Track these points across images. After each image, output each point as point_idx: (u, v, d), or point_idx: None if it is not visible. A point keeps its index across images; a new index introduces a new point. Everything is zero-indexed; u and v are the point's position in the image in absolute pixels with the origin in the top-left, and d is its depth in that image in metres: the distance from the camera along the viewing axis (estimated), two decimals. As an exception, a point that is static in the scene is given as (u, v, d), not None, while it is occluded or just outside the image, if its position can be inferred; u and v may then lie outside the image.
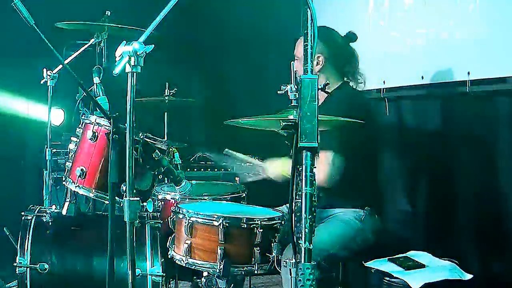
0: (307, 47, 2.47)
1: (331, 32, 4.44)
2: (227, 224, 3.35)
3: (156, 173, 3.52)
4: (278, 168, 4.35)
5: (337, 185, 4.13)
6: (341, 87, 4.39)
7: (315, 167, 2.45)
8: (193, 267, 3.47)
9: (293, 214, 2.59)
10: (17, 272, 3.61)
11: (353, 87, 4.45)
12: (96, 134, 3.57)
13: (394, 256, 3.88)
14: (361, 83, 4.48)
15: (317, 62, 4.33)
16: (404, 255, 3.91)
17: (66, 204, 3.83)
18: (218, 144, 6.07)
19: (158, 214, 4.02)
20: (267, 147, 4.52)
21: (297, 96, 2.98)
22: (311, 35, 2.49)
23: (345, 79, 4.43)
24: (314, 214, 2.48)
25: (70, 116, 5.57)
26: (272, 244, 3.42)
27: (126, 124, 2.82)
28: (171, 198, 4.36)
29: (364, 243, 4.13)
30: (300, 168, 2.45)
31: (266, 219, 3.44)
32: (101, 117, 3.56)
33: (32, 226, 3.73)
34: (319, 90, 2.54)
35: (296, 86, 2.97)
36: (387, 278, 3.65)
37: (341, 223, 4.12)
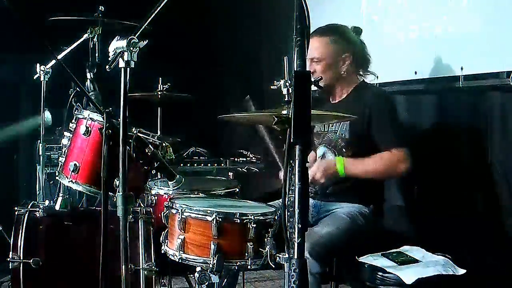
0: (299, 43, 2.46)
1: (347, 29, 4.48)
2: (220, 219, 3.34)
3: (149, 168, 3.52)
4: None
5: (346, 181, 4.17)
6: (365, 85, 4.50)
7: (308, 162, 2.44)
8: (186, 262, 3.46)
9: (286, 209, 2.60)
10: (10, 267, 3.61)
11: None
12: (89, 129, 3.56)
13: (388, 251, 3.89)
14: (374, 78, 4.57)
15: (343, 62, 4.35)
16: (397, 250, 3.92)
17: (59, 199, 3.82)
18: (211, 139, 6.10)
19: (151, 209, 4.01)
20: (260, 141, 4.52)
21: (290, 91, 2.99)
22: (303, 29, 2.48)
23: (358, 77, 4.47)
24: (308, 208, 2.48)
25: (58, 116, 5.55)
26: (266, 239, 3.42)
27: (119, 119, 2.83)
28: (164, 193, 4.35)
29: (365, 240, 4.15)
30: (293, 164, 2.45)
31: (260, 214, 3.43)
32: (94, 112, 3.56)
33: (25, 221, 3.72)
34: (312, 85, 2.54)
35: (289, 81, 2.98)
36: (380, 273, 3.66)
37: (346, 218, 4.15)
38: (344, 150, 4.31)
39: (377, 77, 4.80)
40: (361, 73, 4.52)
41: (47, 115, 5.71)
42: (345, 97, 4.45)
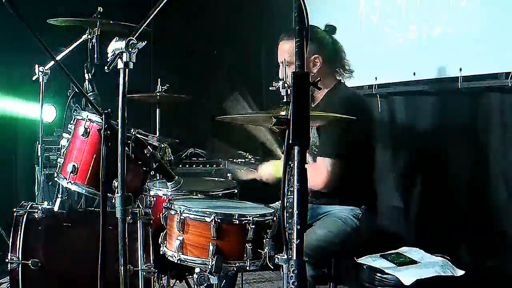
0: (298, 43, 2.46)
1: (318, 30, 4.40)
2: (219, 220, 3.35)
3: (148, 169, 3.52)
4: (271, 170, 4.37)
5: (336, 183, 4.15)
6: (338, 86, 4.38)
7: (307, 163, 2.44)
8: (185, 263, 3.46)
9: (285, 211, 2.60)
10: (8, 268, 3.61)
11: (345, 84, 4.45)
12: (88, 130, 3.56)
13: (386, 252, 3.89)
14: (351, 76, 4.48)
15: (313, 64, 4.29)
16: (396, 251, 3.92)
17: (58, 200, 3.82)
18: (210, 140, 6.08)
19: (149, 210, 4.01)
20: (259, 143, 4.52)
21: (288, 92, 2.99)
22: (303, 30, 2.48)
23: (336, 76, 4.42)
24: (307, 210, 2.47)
25: (61, 112, 5.56)
26: (264, 241, 3.42)
27: (117, 120, 2.82)
28: (163, 194, 4.36)
29: (360, 241, 4.14)
30: (291, 165, 2.45)
31: (258, 216, 3.44)
32: (93, 113, 3.56)
33: (23, 222, 3.72)
34: (311, 86, 2.53)
35: (287, 83, 2.98)
36: (379, 274, 3.66)
37: (338, 220, 4.13)
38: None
39: (376, 78, 4.80)
40: (338, 71, 4.45)
41: (51, 109, 5.72)
42: (320, 100, 4.40)
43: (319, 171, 4.09)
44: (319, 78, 3.05)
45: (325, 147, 4.13)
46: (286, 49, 4.29)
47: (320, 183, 4.09)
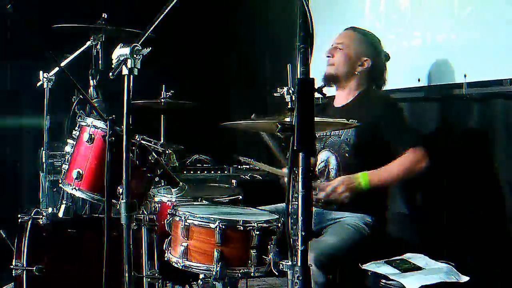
0: (303, 50, 2.46)
1: (378, 40, 4.55)
2: (223, 227, 3.34)
3: (152, 175, 3.52)
4: None
5: None
6: (368, 90, 4.52)
7: (312, 169, 2.44)
8: (189, 270, 3.46)
9: (290, 217, 2.59)
10: (13, 274, 3.61)
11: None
12: (93, 136, 3.56)
13: (391, 259, 3.88)
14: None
15: (361, 64, 4.40)
16: (400, 257, 3.91)
17: (63, 206, 3.82)
18: (215, 146, 6.08)
19: (154, 216, 4.01)
20: (263, 149, 4.52)
21: (293, 98, 2.99)
22: (307, 37, 2.48)
23: (368, 85, 4.48)
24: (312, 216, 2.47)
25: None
26: (269, 247, 3.41)
27: (122, 127, 2.83)
28: (168, 201, 4.35)
29: (369, 249, 4.13)
30: (296, 171, 2.45)
31: (263, 222, 3.43)
32: (98, 119, 3.56)
33: (28, 228, 3.72)
34: (316, 92, 2.53)
35: (292, 88, 2.97)
36: (384, 281, 3.64)
37: (351, 228, 4.13)
38: (347, 154, 4.29)
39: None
40: (372, 84, 4.52)
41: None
42: (350, 102, 4.44)
43: (418, 158, 4.18)
44: (323, 84, 3.05)
45: (408, 137, 4.27)
46: (345, 35, 4.53)
47: (422, 168, 4.18)
